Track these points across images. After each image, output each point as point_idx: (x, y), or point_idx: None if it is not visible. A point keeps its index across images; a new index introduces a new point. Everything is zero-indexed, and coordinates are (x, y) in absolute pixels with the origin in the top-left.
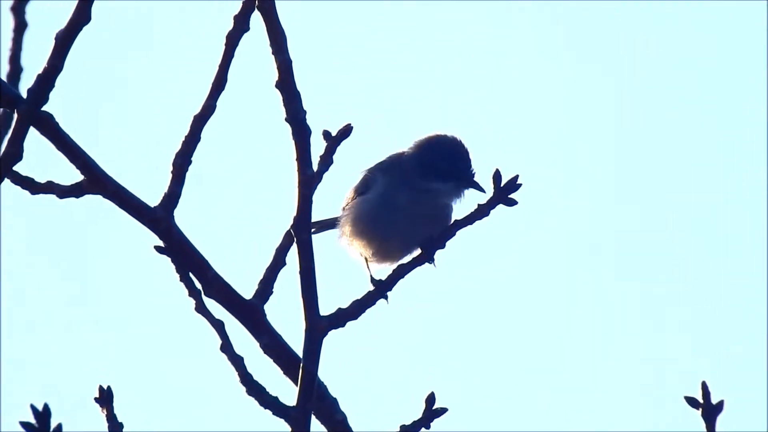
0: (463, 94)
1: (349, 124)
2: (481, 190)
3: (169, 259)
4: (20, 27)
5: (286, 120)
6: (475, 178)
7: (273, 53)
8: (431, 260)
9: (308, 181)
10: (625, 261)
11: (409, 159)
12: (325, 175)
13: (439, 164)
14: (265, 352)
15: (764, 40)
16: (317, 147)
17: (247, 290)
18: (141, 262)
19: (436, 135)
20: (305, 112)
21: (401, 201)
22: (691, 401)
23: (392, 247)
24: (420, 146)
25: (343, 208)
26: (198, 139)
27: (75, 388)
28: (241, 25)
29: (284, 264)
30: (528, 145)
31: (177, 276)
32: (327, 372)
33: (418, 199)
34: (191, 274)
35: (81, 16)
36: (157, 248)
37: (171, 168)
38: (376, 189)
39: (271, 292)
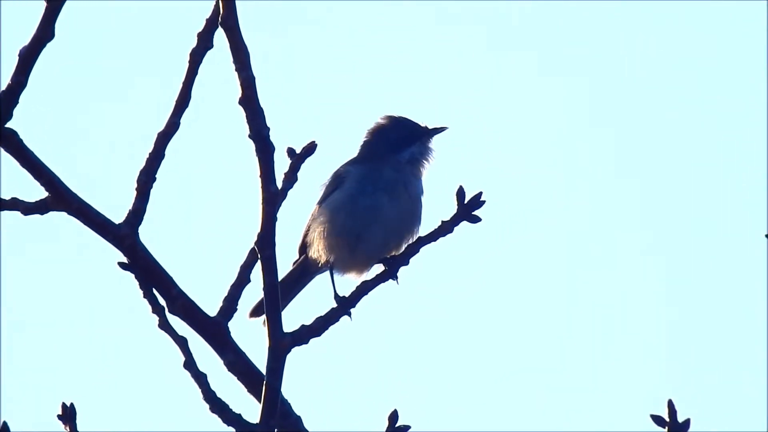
0: (441, 106)
1: (314, 142)
2: (443, 129)
3: (133, 276)
4: None
5: (250, 137)
6: (429, 128)
7: (236, 70)
8: (395, 277)
9: (272, 198)
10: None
11: (370, 149)
12: (290, 192)
13: (399, 135)
14: (228, 370)
15: (764, 40)
16: (282, 164)
17: (211, 307)
18: (105, 278)
19: (374, 124)
20: (269, 128)
21: (387, 175)
22: (657, 419)
23: (371, 241)
24: (370, 139)
25: (313, 214)
26: (162, 156)
27: (37, 404)
28: (204, 43)
29: (248, 281)
30: (516, 148)
31: (141, 292)
32: (291, 389)
33: (402, 169)
34: (155, 291)
35: (44, 33)
36: (121, 264)
37: (135, 185)
38: (352, 178)
39: (236, 310)
